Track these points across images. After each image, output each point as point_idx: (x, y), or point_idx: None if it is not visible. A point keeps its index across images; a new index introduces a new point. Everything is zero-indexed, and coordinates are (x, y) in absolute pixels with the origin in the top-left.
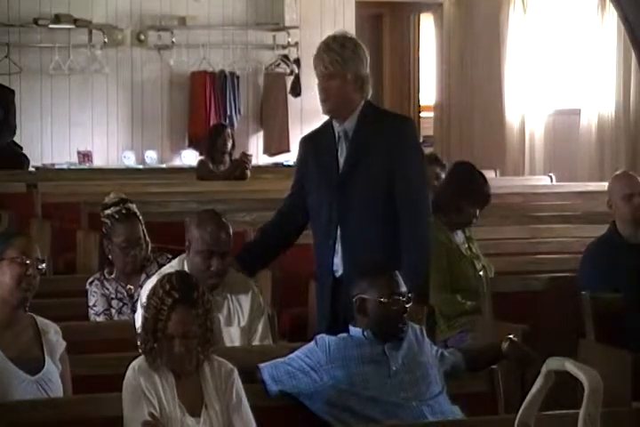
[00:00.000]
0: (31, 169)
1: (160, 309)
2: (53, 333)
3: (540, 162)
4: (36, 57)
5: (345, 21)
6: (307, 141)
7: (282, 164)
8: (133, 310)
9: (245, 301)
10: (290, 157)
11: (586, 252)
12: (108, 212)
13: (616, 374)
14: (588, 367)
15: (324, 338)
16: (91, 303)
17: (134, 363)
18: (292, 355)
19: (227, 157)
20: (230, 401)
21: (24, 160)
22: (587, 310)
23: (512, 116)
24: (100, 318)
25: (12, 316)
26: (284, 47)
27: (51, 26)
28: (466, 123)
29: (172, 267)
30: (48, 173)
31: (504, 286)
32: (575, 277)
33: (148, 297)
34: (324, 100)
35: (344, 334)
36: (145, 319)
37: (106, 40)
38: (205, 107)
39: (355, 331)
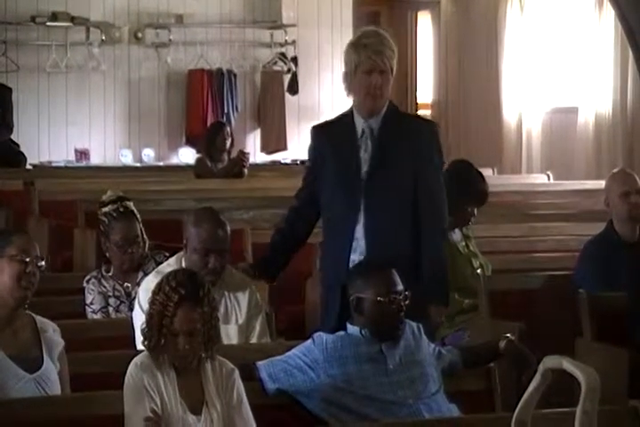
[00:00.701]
0: (28, 167)
1: (166, 305)
2: (52, 331)
3: (537, 160)
4: (34, 55)
5: (342, 19)
6: (320, 131)
7: (279, 162)
8: (131, 308)
9: (243, 299)
10: (287, 155)
11: (583, 250)
12: (105, 210)
13: (613, 372)
14: (585, 366)
15: (321, 336)
16: (88, 301)
17: (137, 359)
18: (289, 353)
19: (225, 156)
20: (231, 401)
21: (21, 158)
22: (584, 308)
23: (509, 115)
24: (98, 316)
25: (11, 314)
26: (281, 45)
27: (48, 23)
28: (463, 121)
29: (169, 265)
30: (45, 170)
31: (501, 284)
32: (572, 276)
33: (154, 293)
34: (380, 97)
35: (341, 333)
36: (150, 316)
37: (103, 38)
38: (203, 105)
39: (352, 329)
